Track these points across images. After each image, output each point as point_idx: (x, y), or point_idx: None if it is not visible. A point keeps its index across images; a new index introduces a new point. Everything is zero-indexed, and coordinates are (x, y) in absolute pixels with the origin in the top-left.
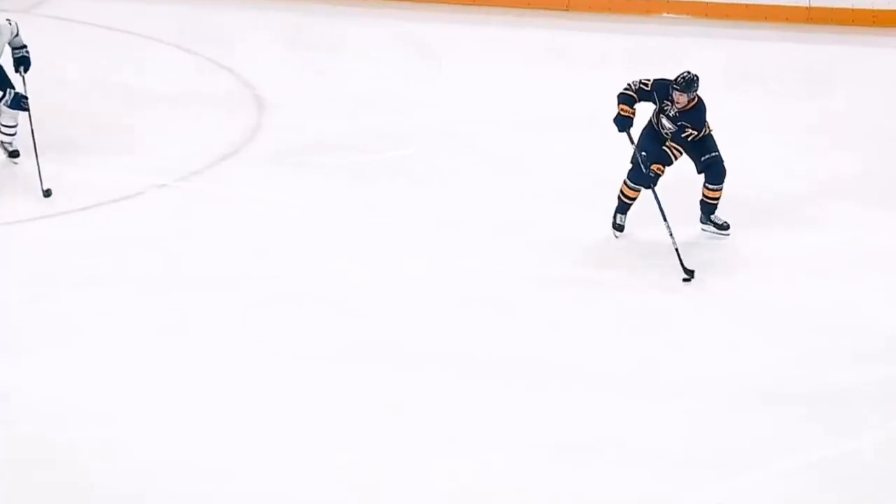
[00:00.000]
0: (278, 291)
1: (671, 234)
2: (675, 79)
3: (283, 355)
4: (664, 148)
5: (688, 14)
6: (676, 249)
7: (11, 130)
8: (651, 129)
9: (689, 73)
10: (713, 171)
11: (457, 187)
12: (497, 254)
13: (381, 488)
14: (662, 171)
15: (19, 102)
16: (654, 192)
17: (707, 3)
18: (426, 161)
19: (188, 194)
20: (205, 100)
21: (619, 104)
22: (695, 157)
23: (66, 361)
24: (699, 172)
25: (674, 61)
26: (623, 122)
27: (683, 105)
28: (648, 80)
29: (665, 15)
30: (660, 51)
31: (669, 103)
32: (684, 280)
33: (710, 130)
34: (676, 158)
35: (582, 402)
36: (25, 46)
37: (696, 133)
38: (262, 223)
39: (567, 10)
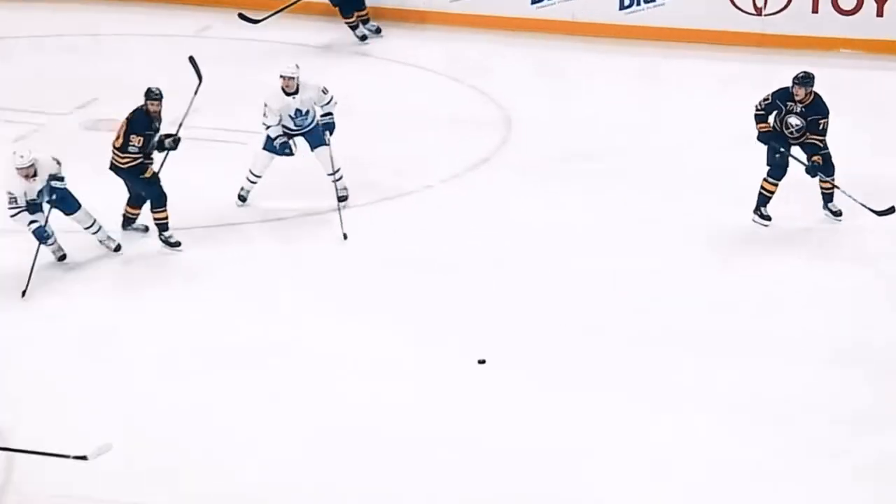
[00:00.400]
0: (522, 277)
1: (851, 197)
2: (795, 76)
3: (522, 336)
4: (807, 141)
5: (861, 50)
6: (862, 204)
7: (337, 174)
8: (777, 133)
9: (804, 72)
10: (826, 165)
11: (664, 193)
12: (690, 249)
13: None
14: (820, 161)
15: (283, 149)
16: (816, 173)
17: (877, 40)
18: (641, 172)
19: (449, 194)
20: (464, 118)
21: (756, 124)
22: (808, 154)
23: (349, 327)
24: (808, 171)
25: (846, 89)
26: (765, 136)
27: (802, 97)
28: (768, 96)
29: (842, 50)
30: (834, 80)
31: (792, 103)
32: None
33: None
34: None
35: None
36: (332, 114)
37: (826, 120)
38: (507, 218)
39: (760, 47)
